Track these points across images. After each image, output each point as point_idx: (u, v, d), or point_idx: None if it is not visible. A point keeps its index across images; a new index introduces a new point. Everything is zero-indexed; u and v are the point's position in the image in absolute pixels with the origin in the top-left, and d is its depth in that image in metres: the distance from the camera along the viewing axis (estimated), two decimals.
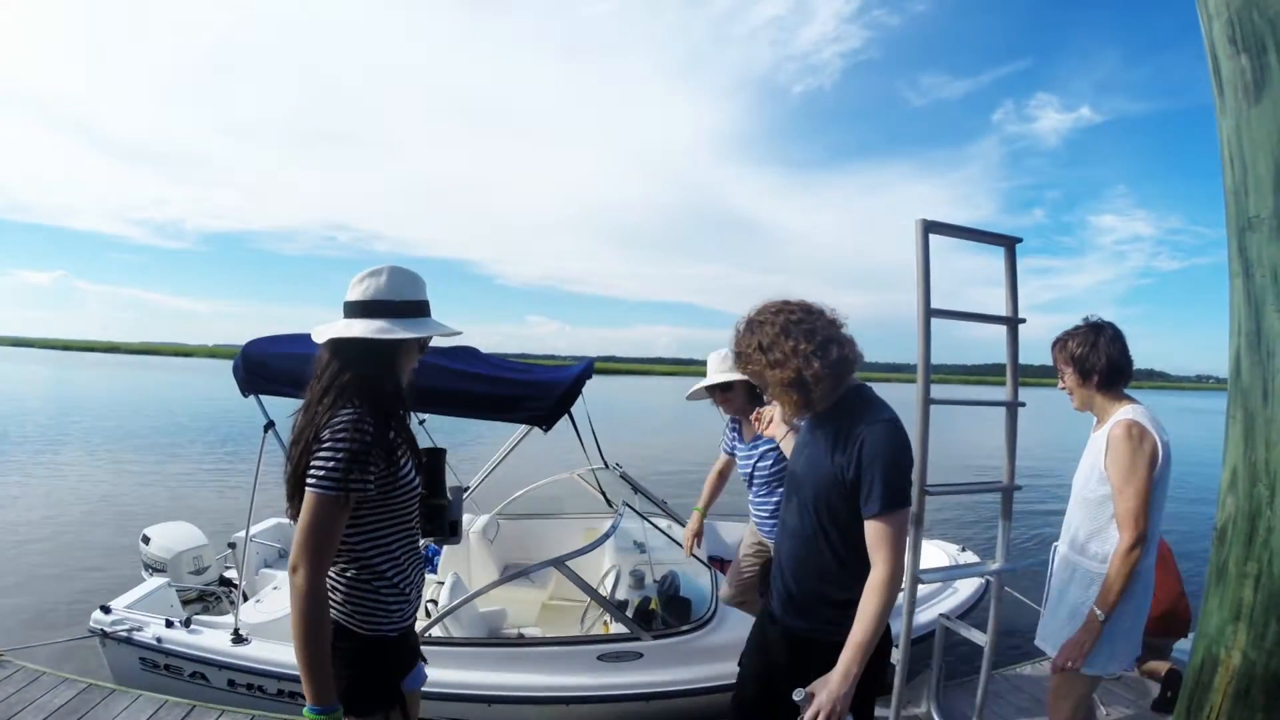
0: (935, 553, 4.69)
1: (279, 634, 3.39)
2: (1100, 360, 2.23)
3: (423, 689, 1.86)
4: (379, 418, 1.54)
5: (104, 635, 3.40)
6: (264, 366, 3.20)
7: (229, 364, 3.53)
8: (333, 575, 1.61)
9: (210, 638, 3.35)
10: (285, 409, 3.16)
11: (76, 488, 10.37)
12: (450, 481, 1.98)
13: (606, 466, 4.26)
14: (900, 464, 1.62)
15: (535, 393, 3.33)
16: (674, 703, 3.19)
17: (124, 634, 3.37)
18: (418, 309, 1.63)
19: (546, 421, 3.32)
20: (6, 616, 5.10)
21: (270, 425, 3.24)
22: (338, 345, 1.58)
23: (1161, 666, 3.44)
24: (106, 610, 3.49)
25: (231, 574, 4.43)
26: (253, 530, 4.26)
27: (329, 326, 1.58)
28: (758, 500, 3.14)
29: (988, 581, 3.41)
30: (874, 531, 1.60)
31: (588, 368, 3.50)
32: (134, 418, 22.37)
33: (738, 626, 3.51)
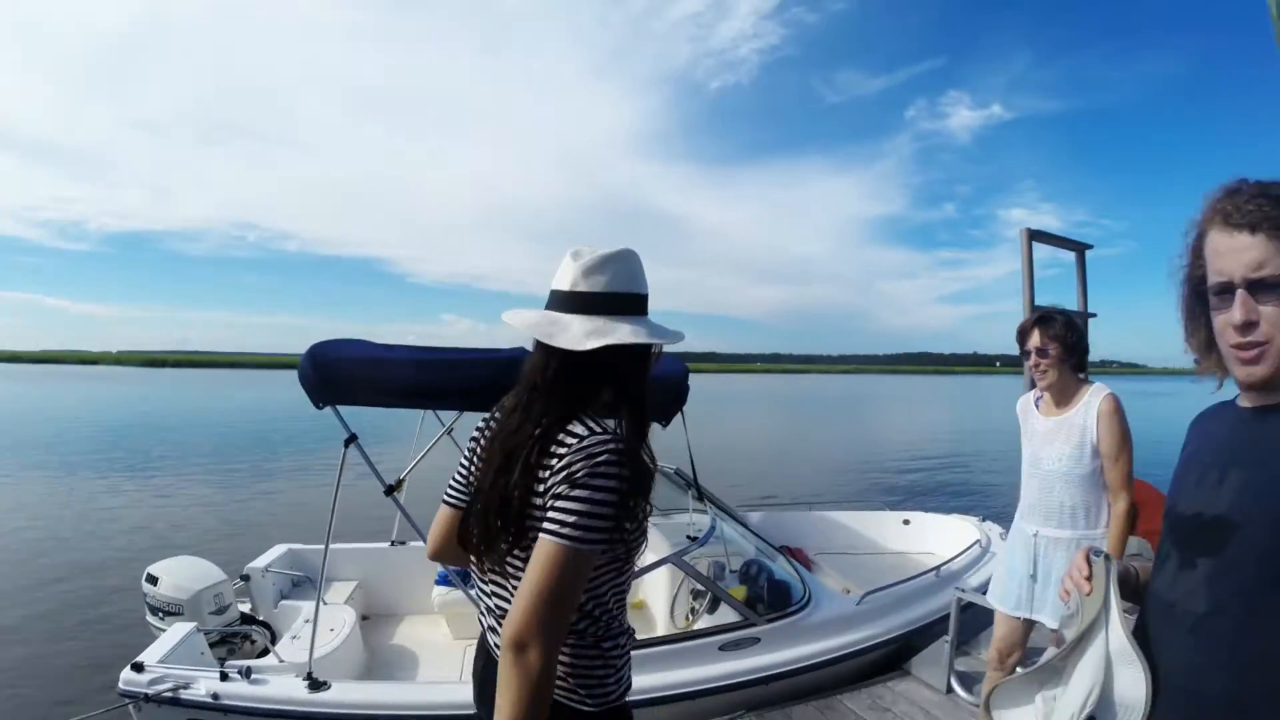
0: (964, 526, 5.13)
1: (347, 670, 3.34)
2: (1084, 343, 2.53)
3: None
4: (638, 445, 1.27)
5: (145, 699, 2.97)
6: (342, 374, 2.98)
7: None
8: None
9: (280, 686, 3.04)
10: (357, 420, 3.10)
11: (33, 523, 9.37)
12: None
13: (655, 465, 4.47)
14: None
15: (654, 388, 3.51)
16: (790, 682, 3.49)
17: (169, 694, 2.98)
18: (644, 305, 1.35)
19: (666, 417, 3.44)
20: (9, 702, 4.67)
21: (352, 439, 3.05)
22: (568, 353, 1.23)
23: None
24: (139, 669, 3.02)
25: (247, 608, 4.11)
26: (262, 561, 4.19)
27: (579, 322, 1.24)
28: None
29: None
30: None
31: (684, 365, 3.65)
32: (55, 431, 20.33)
33: (835, 605, 3.82)
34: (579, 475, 1.15)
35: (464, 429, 3.36)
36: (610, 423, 1.24)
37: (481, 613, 1.44)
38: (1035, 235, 2.83)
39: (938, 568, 4.22)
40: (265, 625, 3.81)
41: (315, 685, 3.01)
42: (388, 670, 3.87)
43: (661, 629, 3.98)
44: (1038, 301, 2.95)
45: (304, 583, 4.26)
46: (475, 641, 3.67)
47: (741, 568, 4.09)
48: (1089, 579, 1.14)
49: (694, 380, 3.71)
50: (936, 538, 5.33)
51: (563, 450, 1.18)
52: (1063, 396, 2.53)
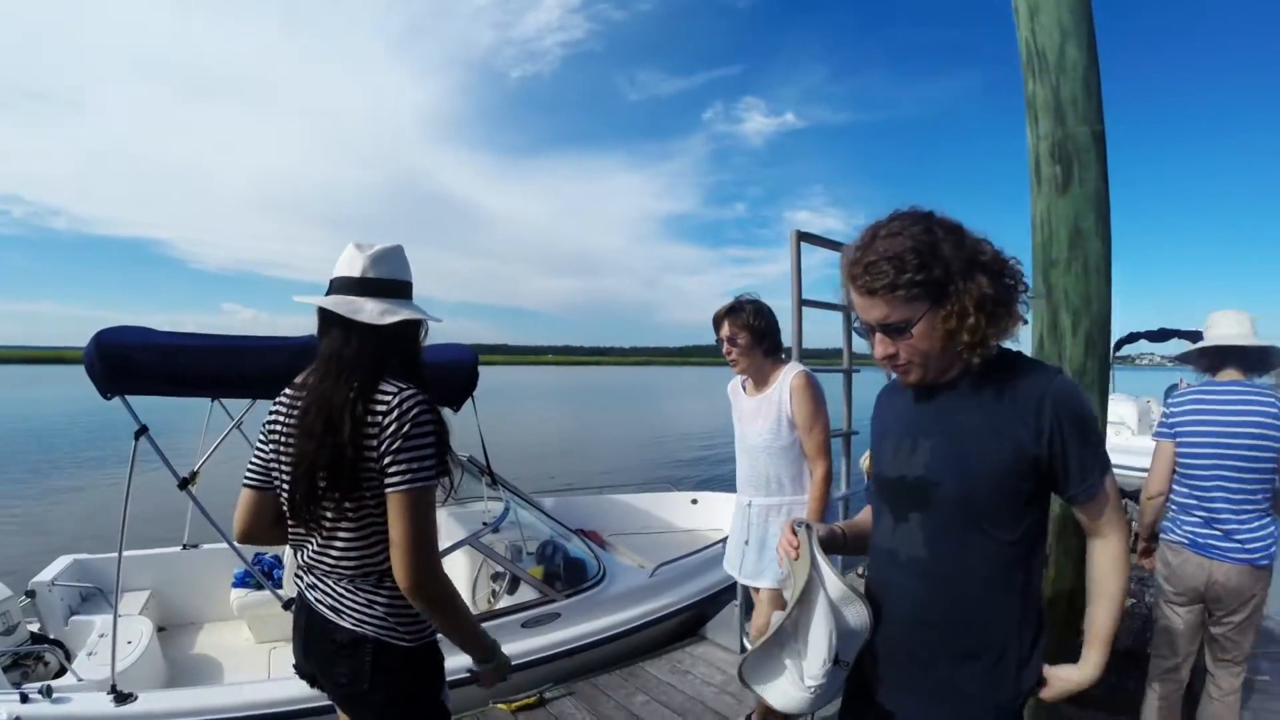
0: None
1: (150, 684, 3.20)
2: (773, 327, 2.69)
3: None
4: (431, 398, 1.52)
5: None
6: (131, 361, 2.87)
7: None
8: (366, 588, 1.49)
9: (85, 703, 2.90)
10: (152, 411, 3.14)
11: None
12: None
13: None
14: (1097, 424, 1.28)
15: (446, 373, 3.51)
16: (594, 653, 3.71)
17: None
18: (410, 290, 1.61)
19: (458, 401, 3.55)
20: None
21: (143, 430, 2.93)
22: (370, 328, 1.46)
23: None
24: None
25: (36, 627, 3.84)
26: (48, 574, 3.91)
27: (371, 303, 1.48)
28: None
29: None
30: (1098, 505, 1.28)
31: (474, 351, 3.78)
32: None
33: (629, 578, 4.08)
34: (405, 430, 1.40)
35: (254, 420, 3.28)
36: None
37: (298, 572, 1.61)
38: (804, 236, 3.24)
39: (724, 540, 4.61)
40: (58, 644, 3.58)
41: (121, 698, 2.92)
42: (191, 680, 3.70)
43: None
44: (806, 296, 3.34)
45: (94, 595, 4.03)
46: (279, 644, 3.65)
47: (538, 549, 4.25)
48: (796, 548, 1.35)
49: (488, 372, 3.84)
50: (723, 514, 5.71)
51: (381, 407, 1.42)
52: (760, 378, 2.72)
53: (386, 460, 1.39)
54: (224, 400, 3.70)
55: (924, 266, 1.18)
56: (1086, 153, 2.19)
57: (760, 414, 2.68)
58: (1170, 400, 2.64)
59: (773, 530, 2.70)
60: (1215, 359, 2.59)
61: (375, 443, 1.40)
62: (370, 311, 1.46)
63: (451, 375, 3.55)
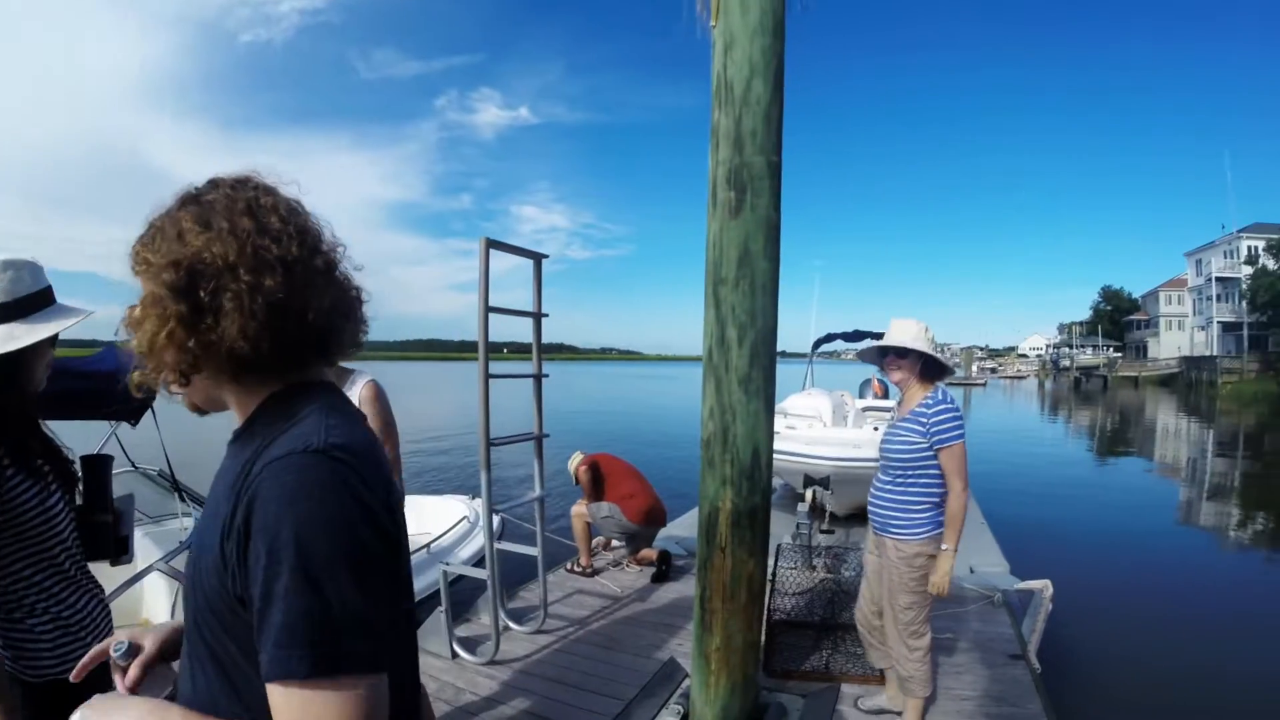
0: (454, 505, 5.52)
1: None
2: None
3: None
4: None
5: None
6: None
7: None
8: None
9: None
10: None
11: None
12: (117, 492, 1.87)
13: (135, 467, 3.91)
14: (319, 559, 0.71)
15: (115, 384, 3.03)
16: None
17: None
18: (36, 302, 1.51)
19: (137, 415, 3.27)
20: None
21: None
22: None
23: (651, 553, 4.98)
24: None
25: None
26: None
27: None
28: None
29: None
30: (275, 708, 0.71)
31: None
32: None
33: None
34: None
35: None
36: None
37: None
38: (493, 244, 3.27)
39: (428, 545, 4.52)
40: None
41: None
42: None
43: None
44: (493, 302, 3.37)
45: None
46: None
47: None
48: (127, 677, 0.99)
49: None
50: (430, 517, 5.59)
51: None
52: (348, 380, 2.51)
53: None
54: None
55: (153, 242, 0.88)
56: (761, 180, 2.40)
57: None
58: (949, 405, 2.74)
59: None
60: (930, 369, 2.81)
61: None
62: None
63: (125, 388, 3.04)
